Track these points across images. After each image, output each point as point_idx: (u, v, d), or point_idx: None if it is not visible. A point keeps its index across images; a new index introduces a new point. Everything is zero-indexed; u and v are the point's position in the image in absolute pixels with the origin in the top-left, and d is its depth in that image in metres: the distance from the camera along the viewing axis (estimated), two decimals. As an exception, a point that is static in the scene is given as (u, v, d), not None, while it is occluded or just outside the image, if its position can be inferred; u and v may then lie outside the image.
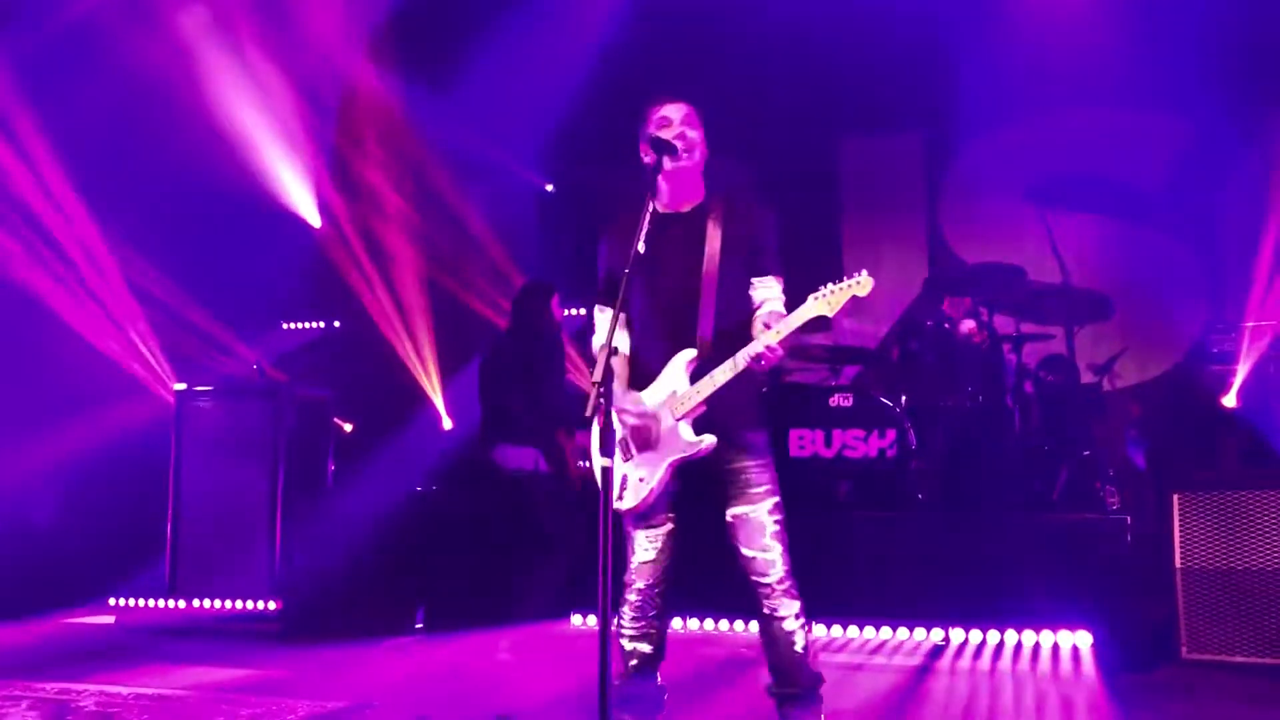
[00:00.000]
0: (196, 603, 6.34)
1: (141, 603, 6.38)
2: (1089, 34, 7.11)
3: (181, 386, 6.62)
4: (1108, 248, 7.30)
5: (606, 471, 2.92)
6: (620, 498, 3.38)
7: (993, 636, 4.96)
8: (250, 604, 6.23)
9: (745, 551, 3.31)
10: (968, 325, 6.00)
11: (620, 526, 3.44)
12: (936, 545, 5.31)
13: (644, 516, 3.42)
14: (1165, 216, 7.34)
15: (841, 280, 3.29)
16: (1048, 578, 5.04)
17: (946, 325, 6.04)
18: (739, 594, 3.42)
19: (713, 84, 7.27)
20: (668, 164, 3.37)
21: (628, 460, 3.41)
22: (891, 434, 5.65)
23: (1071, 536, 5.14)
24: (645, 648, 3.49)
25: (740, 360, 3.26)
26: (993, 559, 5.17)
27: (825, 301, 3.27)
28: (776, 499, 3.35)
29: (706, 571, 3.71)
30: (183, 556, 6.45)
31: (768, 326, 3.27)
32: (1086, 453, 5.93)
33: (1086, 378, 6.38)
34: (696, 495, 3.44)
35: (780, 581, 3.31)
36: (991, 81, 7.18)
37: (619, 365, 3.47)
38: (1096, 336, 6.86)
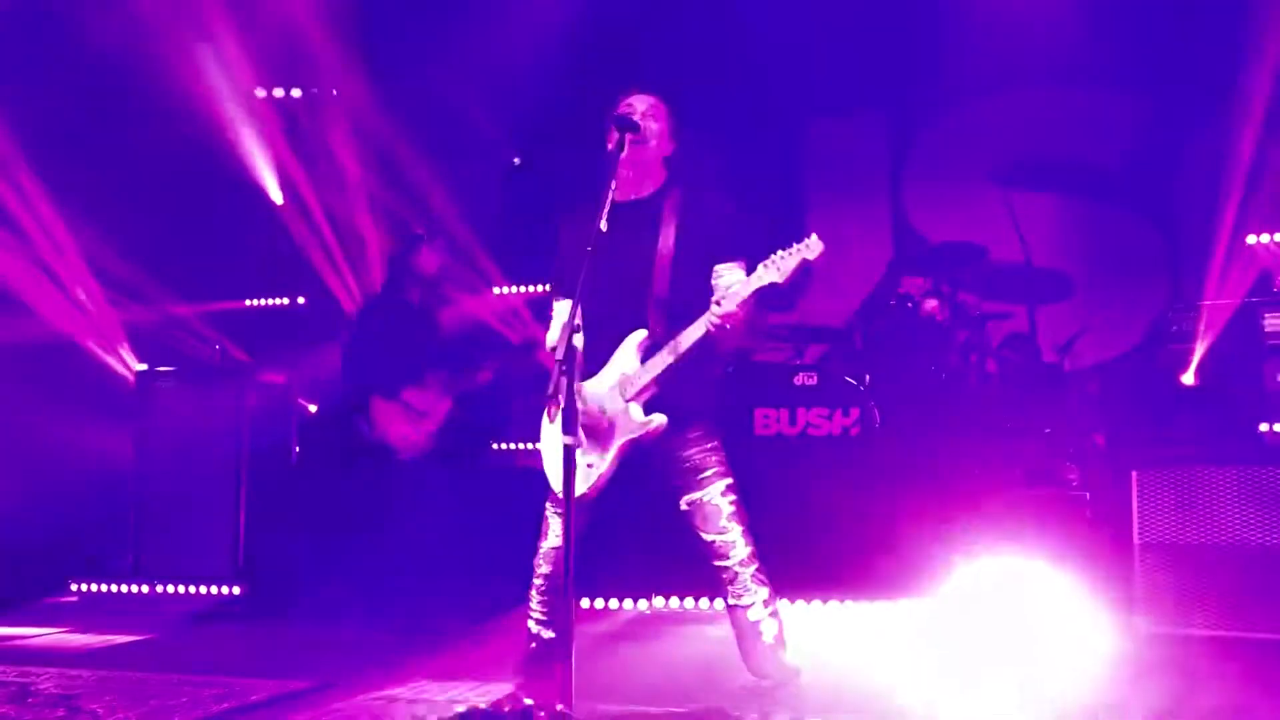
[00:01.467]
0: (160, 587, 6.28)
1: (104, 587, 6.31)
2: (1050, 11, 7.13)
3: (142, 367, 6.54)
4: (1069, 227, 7.36)
5: (569, 449, 2.91)
6: None
7: (955, 609, 4.99)
8: (214, 587, 6.19)
9: (705, 536, 3.29)
10: (930, 304, 6.05)
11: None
12: (899, 522, 5.35)
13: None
14: (1125, 195, 7.40)
15: (789, 246, 3.28)
16: (1008, 552, 5.09)
17: (910, 304, 6.08)
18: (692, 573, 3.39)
19: (678, 65, 7.36)
20: (628, 144, 3.35)
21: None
22: (855, 412, 5.68)
23: (1032, 513, 5.19)
24: (549, 634, 3.55)
25: (687, 337, 3.24)
26: (955, 535, 5.22)
27: (775, 269, 3.25)
28: (729, 480, 3.33)
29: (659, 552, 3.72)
30: (145, 539, 6.39)
31: (718, 304, 3.26)
32: (1047, 430, 5.99)
33: (1048, 356, 6.44)
34: (634, 480, 3.42)
35: (743, 564, 3.26)
36: (953, 61, 7.22)
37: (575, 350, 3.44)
38: (1058, 315, 6.92)
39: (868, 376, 6.04)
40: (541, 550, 3.53)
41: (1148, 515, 4.91)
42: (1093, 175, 7.44)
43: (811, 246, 3.25)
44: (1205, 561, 4.69)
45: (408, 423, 5.97)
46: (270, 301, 8.19)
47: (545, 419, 3.51)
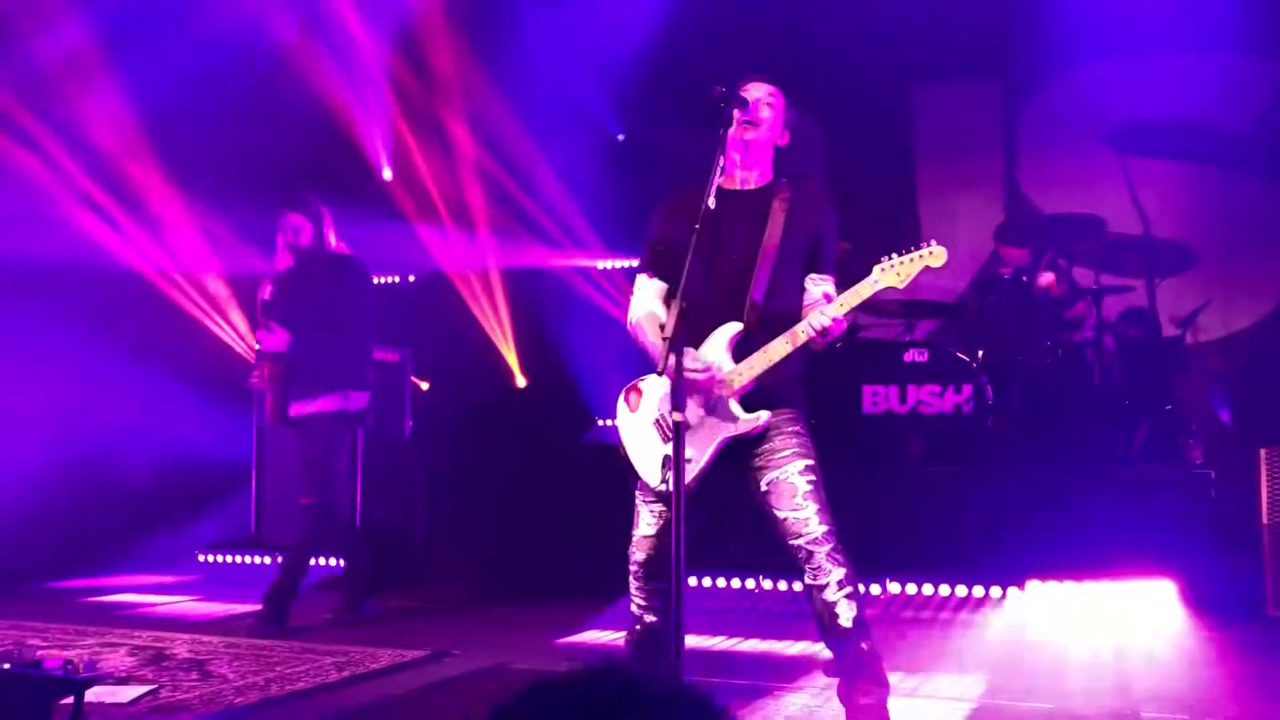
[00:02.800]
0: (280, 558, 6.50)
1: (227, 558, 6.57)
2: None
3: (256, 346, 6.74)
4: (1191, 196, 7.06)
5: (679, 426, 2.90)
6: (663, 479, 3.34)
7: (1071, 591, 4.88)
8: (331, 558, 6.38)
9: (778, 514, 3.21)
10: (1046, 278, 5.89)
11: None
12: (1013, 502, 5.25)
13: (665, 494, 3.38)
14: (1252, 162, 7.07)
15: (912, 250, 3.20)
16: (1129, 534, 4.96)
17: (1024, 279, 5.93)
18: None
19: (785, 34, 7.28)
20: (738, 123, 3.31)
21: (668, 441, 3.36)
22: (968, 389, 5.58)
23: (1153, 492, 5.04)
24: (651, 618, 3.54)
25: (800, 334, 3.20)
26: (1072, 516, 5.10)
27: (894, 272, 3.18)
28: (809, 461, 3.25)
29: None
30: (266, 512, 6.63)
31: (829, 299, 3.20)
32: (1168, 407, 5.80)
33: (1168, 331, 6.22)
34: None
35: (817, 542, 3.16)
36: (1070, 23, 6.96)
37: (661, 347, 3.40)
38: (1179, 288, 6.67)
39: (980, 352, 5.92)
40: (635, 538, 3.52)
41: (1277, 495, 4.75)
42: (1216, 141, 7.12)
43: (936, 254, 3.16)
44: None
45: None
46: (384, 280, 8.36)
47: (624, 408, 3.50)
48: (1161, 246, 6.18)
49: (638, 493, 3.50)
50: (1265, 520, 4.74)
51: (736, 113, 3.30)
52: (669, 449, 3.32)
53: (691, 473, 3.25)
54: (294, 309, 5.03)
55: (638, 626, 3.60)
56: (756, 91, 3.39)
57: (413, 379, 7.20)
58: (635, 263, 8.01)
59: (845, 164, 7.93)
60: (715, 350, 3.29)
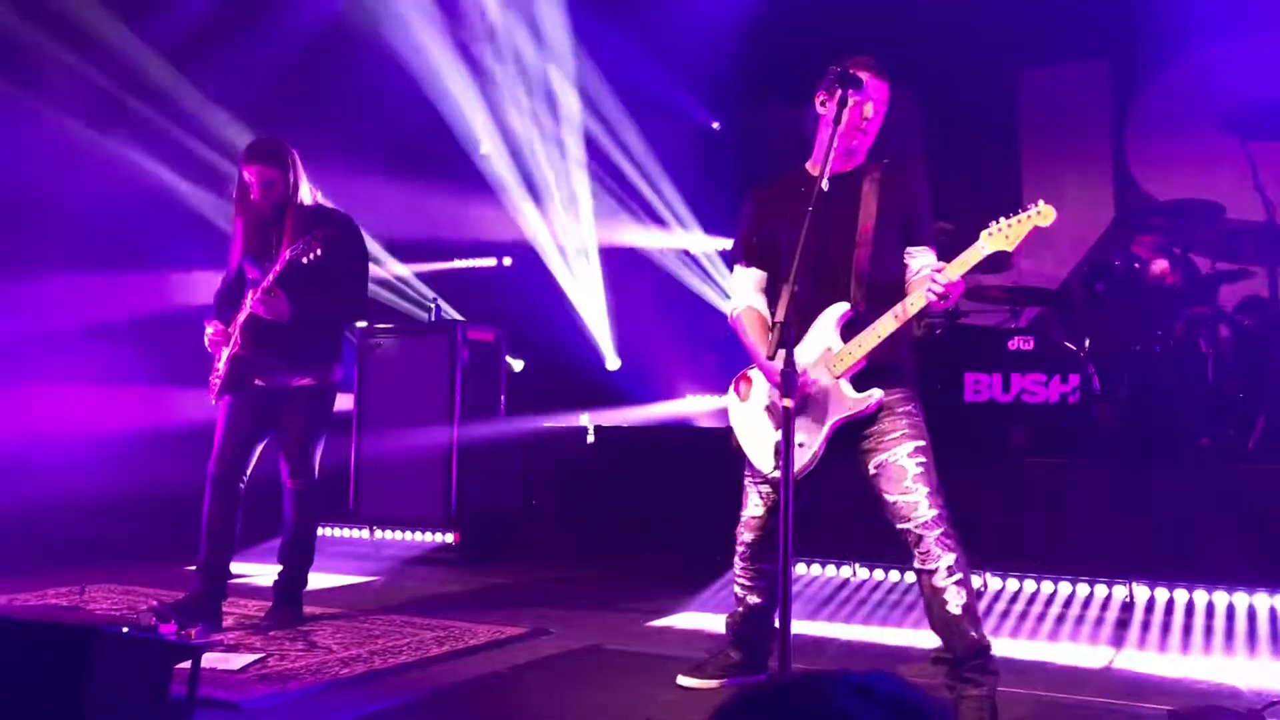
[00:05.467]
0: (379, 533, 6.63)
1: (327, 532, 6.69)
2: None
3: (362, 324, 6.87)
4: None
5: (789, 412, 2.88)
6: (776, 465, 3.32)
7: (1181, 596, 4.72)
8: (429, 534, 6.48)
9: (888, 498, 3.18)
10: (1159, 265, 5.69)
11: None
12: (1121, 497, 5.10)
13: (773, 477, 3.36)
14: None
15: (1020, 212, 3.13)
16: (1243, 534, 4.78)
17: (1136, 265, 5.74)
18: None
19: (888, 15, 7.14)
20: (850, 101, 3.25)
21: (780, 427, 3.35)
22: (1074, 379, 5.43)
23: (1269, 489, 4.85)
24: (755, 599, 3.56)
25: (908, 307, 3.16)
26: (1183, 512, 4.93)
27: (1003, 235, 3.12)
28: (920, 443, 3.21)
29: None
30: (364, 488, 6.75)
31: (939, 272, 3.14)
32: (1288, 401, 5.57)
33: (1289, 321, 5.97)
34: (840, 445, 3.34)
35: (926, 526, 3.11)
36: (1182, 2, 6.71)
37: (765, 331, 3.39)
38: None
39: (1088, 341, 5.76)
40: (743, 518, 3.53)
41: (1406, 496, 4.54)
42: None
43: (1044, 213, 3.10)
44: None
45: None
46: (479, 263, 8.45)
47: (733, 396, 3.53)
48: (1284, 233, 5.91)
49: (746, 474, 3.50)
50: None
51: (850, 94, 3.25)
52: (780, 435, 3.31)
53: (804, 458, 3.25)
54: (282, 275, 4.32)
55: (740, 608, 3.61)
56: (862, 73, 3.33)
57: (507, 358, 7.26)
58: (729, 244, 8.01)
59: (949, 146, 7.81)
60: (825, 331, 3.27)
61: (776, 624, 3.44)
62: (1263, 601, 4.55)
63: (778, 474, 3.30)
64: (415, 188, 7.87)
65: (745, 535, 3.53)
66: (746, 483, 3.52)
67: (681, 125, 8.26)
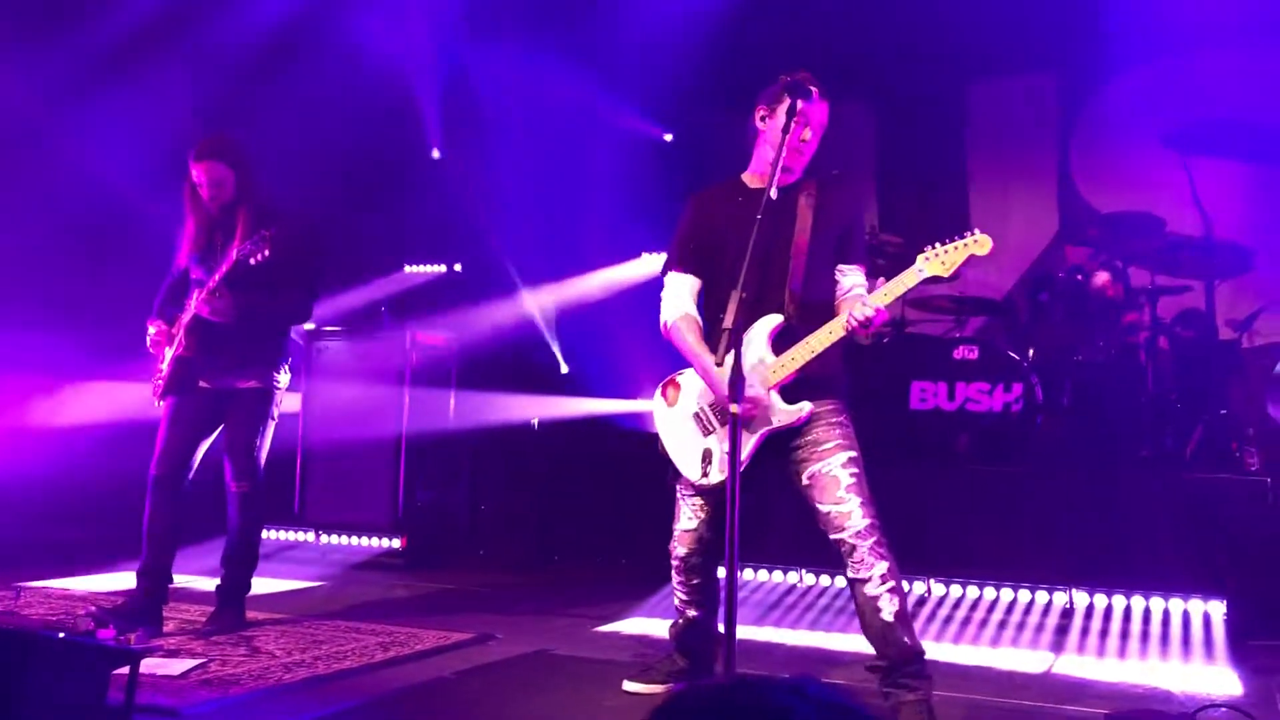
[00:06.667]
0: (324, 537, 6.57)
1: (271, 534, 6.61)
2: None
3: (310, 326, 6.80)
4: (1253, 197, 6.93)
5: (736, 418, 2.89)
6: (705, 473, 3.35)
7: (1119, 602, 4.81)
8: (375, 539, 6.43)
9: (821, 508, 3.21)
10: (1101, 278, 5.80)
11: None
12: (1062, 504, 5.19)
13: (710, 489, 3.38)
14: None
15: (956, 239, 3.19)
16: (1179, 540, 4.89)
17: (1079, 277, 5.85)
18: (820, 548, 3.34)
19: (841, 26, 7.21)
20: (800, 116, 3.28)
21: (709, 435, 3.38)
22: (1018, 388, 5.51)
23: (1206, 497, 4.96)
24: (694, 612, 3.58)
25: (838, 326, 3.20)
26: (1121, 519, 5.03)
27: (939, 261, 3.19)
28: (852, 453, 3.25)
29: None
30: (310, 492, 6.69)
31: (863, 304, 3.18)
32: (1223, 411, 5.70)
33: (1225, 334, 6.11)
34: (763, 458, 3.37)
35: (860, 535, 3.14)
36: (1128, 20, 6.85)
37: (702, 338, 3.42)
38: (1237, 291, 6.55)
39: (1031, 351, 5.86)
40: (676, 532, 3.53)
41: (1334, 504, 4.67)
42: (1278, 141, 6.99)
43: (981, 242, 3.16)
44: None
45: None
46: (430, 269, 8.42)
47: (661, 402, 3.52)
48: (1221, 248, 6.05)
49: (678, 487, 3.50)
50: (1321, 529, 4.67)
51: (801, 104, 3.28)
52: (708, 442, 3.35)
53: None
54: (229, 275, 4.23)
55: (680, 619, 3.62)
56: (815, 109, 3.36)
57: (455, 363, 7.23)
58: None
59: (899, 156, 7.90)
60: (757, 344, 3.29)
61: (721, 629, 3.48)
62: (1197, 607, 4.67)
63: (704, 481, 3.35)
64: (366, 191, 7.83)
65: (679, 549, 3.52)
66: (678, 495, 3.52)
67: (632, 138, 8.27)
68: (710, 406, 3.39)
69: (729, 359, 2.92)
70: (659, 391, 3.54)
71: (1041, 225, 7.38)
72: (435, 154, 8.44)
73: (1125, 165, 7.29)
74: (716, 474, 3.33)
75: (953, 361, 5.67)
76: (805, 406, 3.26)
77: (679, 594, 3.59)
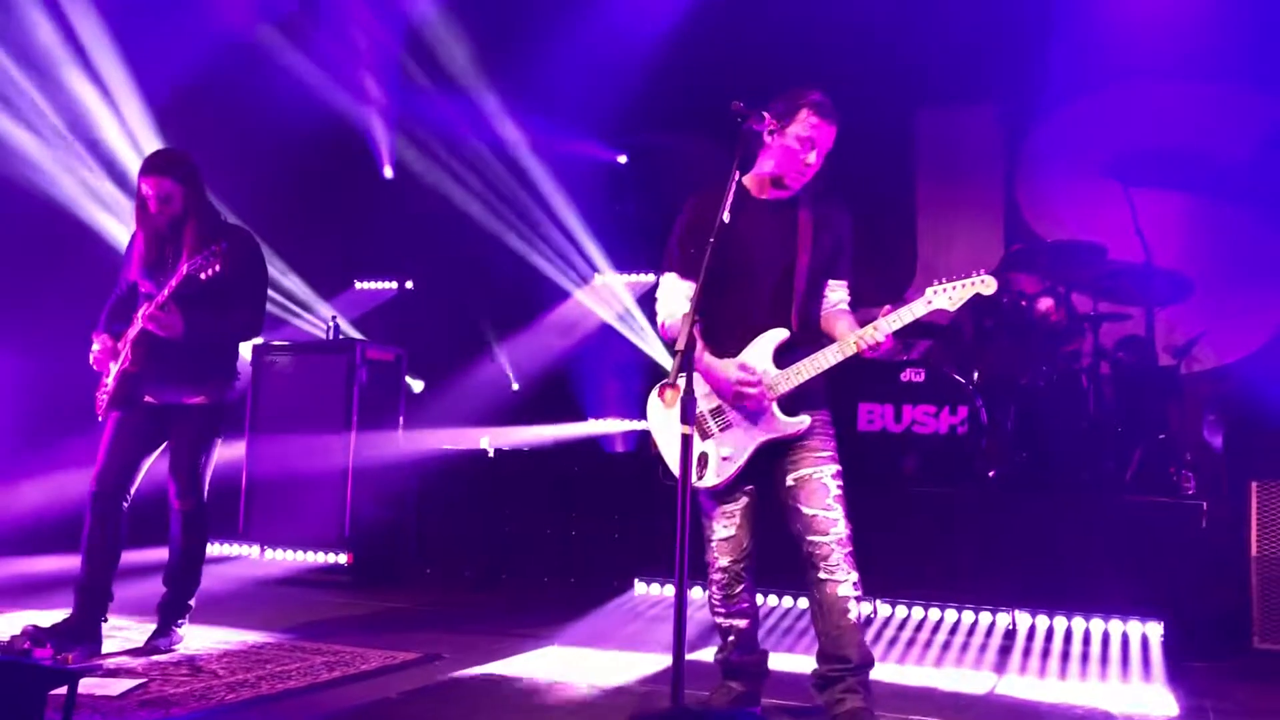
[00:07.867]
0: (270, 553, 6.49)
1: (216, 549, 6.51)
2: (1173, 3, 6.94)
3: (258, 341, 6.73)
4: (1192, 226, 7.12)
5: (687, 440, 2.92)
6: (700, 476, 3.39)
7: (1060, 623, 4.91)
8: (321, 555, 6.37)
9: (806, 510, 3.27)
10: (1045, 303, 5.92)
11: (697, 503, 3.47)
12: (1006, 526, 5.27)
13: (721, 493, 3.43)
14: (1251, 194, 7.13)
15: (965, 277, 3.32)
16: (1118, 562, 4.99)
17: (1023, 303, 5.96)
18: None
19: (786, 53, 7.30)
20: (801, 135, 3.36)
21: (706, 438, 3.41)
22: (963, 411, 5.60)
23: (1144, 520, 5.07)
24: (740, 623, 3.51)
25: (849, 346, 3.27)
26: (1063, 541, 5.13)
27: (946, 297, 3.32)
28: (839, 467, 3.37)
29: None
30: (256, 507, 6.61)
31: (875, 327, 3.27)
32: (1162, 436, 5.83)
33: (1164, 360, 6.26)
34: (765, 470, 3.43)
35: (841, 543, 3.26)
36: (1072, 52, 7.03)
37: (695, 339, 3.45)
38: (1176, 317, 6.72)
39: (976, 374, 5.95)
40: (713, 544, 3.46)
41: (1267, 527, 4.79)
42: (1218, 173, 7.19)
43: (988, 283, 3.30)
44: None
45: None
46: (380, 285, 8.40)
47: (657, 402, 3.51)
48: (1161, 275, 6.21)
49: (701, 500, 3.48)
50: (1254, 552, 4.78)
51: (813, 129, 3.35)
52: (704, 446, 3.38)
53: (729, 470, 3.35)
54: (178, 290, 4.19)
55: (731, 638, 3.52)
56: (825, 133, 3.42)
57: (406, 379, 7.20)
58: (637, 277, 8.07)
59: (845, 182, 7.98)
60: (759, 355, 3.35)
61: (724, 646, 3.51)
62: (1135, 629, 4.77)
63: (697, 484, 3.38)
64: (318, 208, 7.79)
65: (722, 560, 3.45)
66: (706, 510, 3.50)
67: (586, 160, 8.32)
68: (708, 410, 3.42)
69: (688, 376, 2.96)
70: (656, 392, 3.52)
71: (988, 251, 7.50)
72: (388, 172, 8.43)
73: (1068, 194, 7.47)
74: (711, 477, 3.38)
75: (900, 384, 5.75)
76: (806, 420, 3.34)
77: (719, 614, 3.51)
